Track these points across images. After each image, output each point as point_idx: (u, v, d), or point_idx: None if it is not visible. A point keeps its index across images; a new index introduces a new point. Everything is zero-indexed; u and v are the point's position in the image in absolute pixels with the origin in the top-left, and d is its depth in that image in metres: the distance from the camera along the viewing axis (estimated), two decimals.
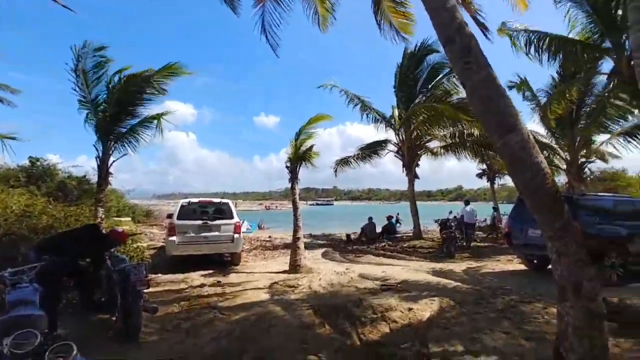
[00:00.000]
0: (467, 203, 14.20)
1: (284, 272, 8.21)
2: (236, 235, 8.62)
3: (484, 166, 22.14)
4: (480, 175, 23.32)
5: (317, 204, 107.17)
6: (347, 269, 8.49)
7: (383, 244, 13.66)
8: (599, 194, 9.59)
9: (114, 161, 8.52)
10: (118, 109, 8.33)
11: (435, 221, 13.42)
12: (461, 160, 16.32)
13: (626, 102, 11.40)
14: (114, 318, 4.40)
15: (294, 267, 8.20)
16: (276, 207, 72.86)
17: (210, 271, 8.12)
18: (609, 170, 18.80)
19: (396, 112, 15.88)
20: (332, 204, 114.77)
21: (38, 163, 14.01)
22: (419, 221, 15.81)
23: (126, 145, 8.62)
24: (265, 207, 76.17)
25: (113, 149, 8.48)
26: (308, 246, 12.52)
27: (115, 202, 20.59)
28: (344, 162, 17.37)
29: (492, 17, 7.06)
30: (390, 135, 16.48)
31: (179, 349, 3.80)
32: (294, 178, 8.94)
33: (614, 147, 13.83)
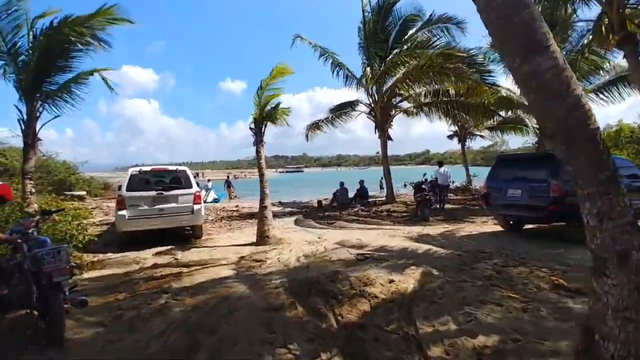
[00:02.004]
0: (440, 164, 13.85)
1: (251, 244, 7.50)
2: (196, 206, 7.74)
3: (456, 128, 22.04)
4: (451, 137, 23.24)
5: (287, 172, 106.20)
6: (319, 237, 7.92)
7: (356, 209, 13.20)
8: None
9: (43, 125, 7.26)
10: (45, 61, 6.93)
11: (410, 184, 13.04)
12: (433, 122, 15.92)
13: (601, 56, 11.16)
14: (36, 313, 3.54)
15: (262, 238, 7.50)
16: (245, 175, 71.08)
17: (169, 247, 7.28)
18: None
19: (368, 70, 14.94)
20: (302, 171, 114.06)
21: None
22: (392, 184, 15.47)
23: (58, 105, 7.32)
24: (234, 176, 74.18)
25: (41, 110, 7.16)
26: (278, 215, 11.83)
27: (65, 175, 19.08)
28: (315, 126, 16.69)
29: None
30: (362, 96, 15.70)
31: (113, 350, 3.04)
32: (259, 140, 8.02)
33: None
